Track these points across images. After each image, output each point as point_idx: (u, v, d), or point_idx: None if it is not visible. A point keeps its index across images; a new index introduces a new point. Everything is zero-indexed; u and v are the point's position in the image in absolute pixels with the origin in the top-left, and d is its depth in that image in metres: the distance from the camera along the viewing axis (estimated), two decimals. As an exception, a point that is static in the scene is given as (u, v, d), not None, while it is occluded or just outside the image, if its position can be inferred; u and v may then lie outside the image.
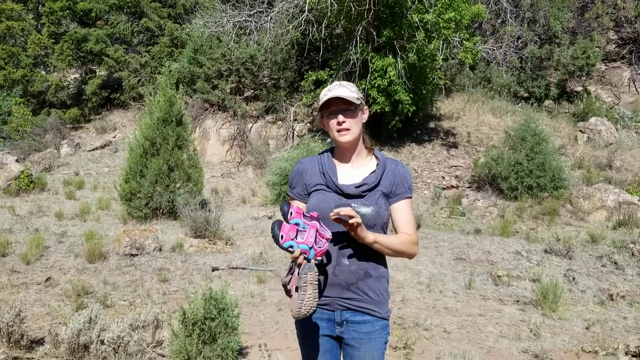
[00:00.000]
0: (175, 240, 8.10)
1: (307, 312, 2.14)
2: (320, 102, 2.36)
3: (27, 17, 20.74)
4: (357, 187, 2.33)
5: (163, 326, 4.73)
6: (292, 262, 2.23)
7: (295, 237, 2.16)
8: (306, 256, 2.15)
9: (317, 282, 2.16)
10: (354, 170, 2.40)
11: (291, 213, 2.23)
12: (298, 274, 2.16)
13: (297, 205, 2.44)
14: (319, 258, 2.20)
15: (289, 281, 2.25)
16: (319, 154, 2.49)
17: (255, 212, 11.02)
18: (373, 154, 2.47)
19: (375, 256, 2.35)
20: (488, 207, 11.45)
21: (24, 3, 20.78)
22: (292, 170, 2.51)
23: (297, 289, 2.17)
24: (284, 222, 2.21)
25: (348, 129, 2.33)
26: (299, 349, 2.51)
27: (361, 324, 2.34)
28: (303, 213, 2.26)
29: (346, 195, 2.33)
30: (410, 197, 2.42)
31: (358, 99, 2.34)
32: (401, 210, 2.38)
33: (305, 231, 2.17)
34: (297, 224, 2.20)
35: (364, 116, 2.41)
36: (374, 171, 2.39)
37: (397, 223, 2.39)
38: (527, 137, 11.79)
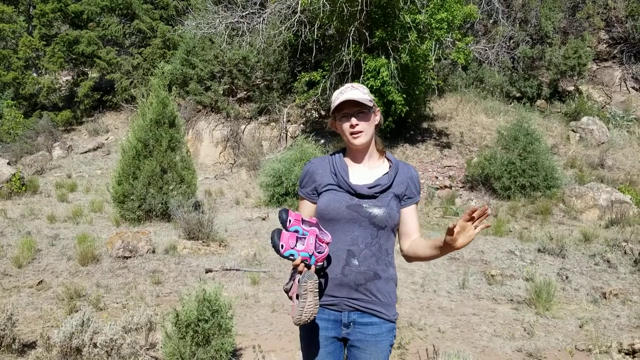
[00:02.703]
0: (169, 242, 8.07)
1: (308, 319, 2.16)
2: (333, 105, 2.34)
3: (18, 19, 20.62)
4: (370, 187, 2.32)
5: (156, 328, 4.70)
6: (293, 269, 2.23)
7: (295, 245, 2.17)
8: (307, 263, 2.16)
9: (317, 290, 2.17)
10: (366, 171, 2.39)
11: (290, 221, 2.24)
12: (298, 281, 2.17)
13: (306, 205, 2.45)
14: (320, 263, 2.21)
15: (290, 288, 2.25)
16: (330, 155, 2.48)
17: (248, 213, 11.00)
18: (385, 156, 2.47)
19: (384, 258, 2.35)
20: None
21: (14, 5, 20.66)
22: (303, 170, 2.49)
23: (297, 297, 2.17)
24: (283, 231, 2.21)
25: (361, 132, 2.33)
26: (301, 350, 2.47)
27: (368, 325, 2.33)
28: (302, 219, 2.26)
29: (358, 195, 2.32)
30: (418, 202, 2.46)
31: (370, 100, 2.34)
32: (412, 214, 2.40)
33: (304, 238, 2.17)
34: (296, 231, 2.20)
35: (376, 118, 2.40)
36: (387, 173, 2.38)
37: (410, 227, 2.40)
38: (520, 137, 11.84)
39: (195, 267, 7.25)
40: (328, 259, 2.29)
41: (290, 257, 2.16)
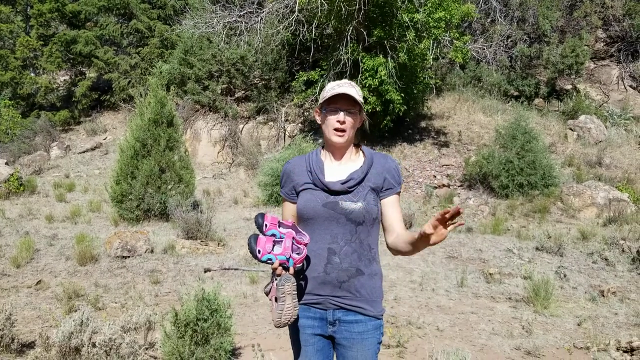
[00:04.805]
0: (167, 242, 8.07)
1: (288, 320, 2.19)
2: (327, 95, 2.32)
3: (16, 19, 20.59)
4: (342, 183, 2.31)
5: (155, 328, 4.70)
6: (272, 272, 2.24)
7: (272, 249, 2.18)
8: (285, 265, 2.17)
9: (295, 292, 2.19)
10: (342, 167, 2.39)
11: (266, 225, 2.26)
12: (276, 285, 2.18)
13: (288, 205, 2.46)
14: (299, 265, 2.22)
15: (270, 290, 2.27)
16: (309, 153, 2.48)
17: (247, 212, 11.00)
18: (360, 149, 2.46)
19: (366, 254, 2.34)
20: (479, 206, 11.50)
21: (12, 5, 20.62)
22: (282, 170, 2.50)
23: (276, 299, 2.19)
24: (260, 235, 2.23)
25: (345, 131, 2.32)
26: (292, 348, 2.49)
27: (353, 323, 2.32)
28: (279, 222, 2.28)
29: (332, 192, 2.31)
30: (399, 192, 2.42)
31: (361, 102, 2.34)
32: (392, 205, 2.37)
33: (281, 241, 2.19)
34: (273, 235, 2.22)
35: (360, 121, 2.40)
36: (361, 166, 2.37)
37: (391, 219, 2.36)
38: (518, 136, 11.85)
39: (194, 267, 7.25)
40: (307, 259, 2.30)
41: (268, 261, 2.18)
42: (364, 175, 2.33)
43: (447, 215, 2.03)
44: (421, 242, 2.15)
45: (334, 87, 2.32)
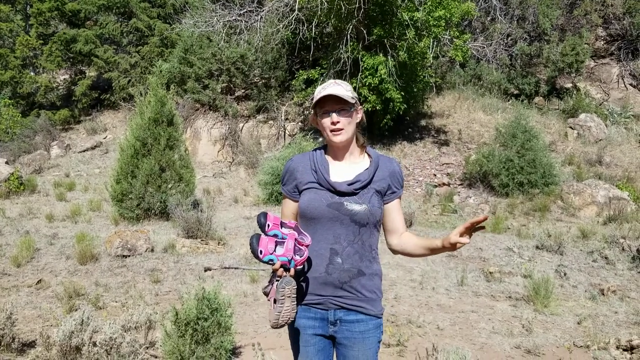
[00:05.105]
0: (168, 241, 8.07)
1: (285, 322, 2.20)
2: (315, 99, 2.32)
3: (15, 18, 20.59)
4: (349, 184, 2.30)
5: (156, 327, 4.71)
6: (272, 272, 2.24)
7: (275, 249, 2.17)
8: (287, 267, 2.17)
9: (295, 295, 2.19)
10: (347, 168, 2.37)
11: (268, 225, 2.24)
12: (276, 287, 2.18)
13: (289, 203, 2.44)
14: (300, 267, 2.22)
15: (269, 292, 2.26)
16: (311, 151, 2.45)
17: (247, 211, 11.00)
18: (365, 151, 2.45)
19: (368, 254, 2.34)
20: (480, 204, 11.50)
21: (11, 4, 20.61)
22: (284, 168, 2.47)
23: (275, 301, 2.19)
24: (262, 235, 2.21)
25: (342, 129, 2.30)
26: (291, 348, 2.48)
27: (354, 323, 2.32)
28: (281, 222, 2.26)
29: (338, 193, 2.30)
30: (401, 195, 2.46)
31: (353, 98, 2.31)
32: (396, 208, 2.40)
33: (284, 242, 2.18)
34: (275, 236, 2.21)
35: (358, 116, 2.38)
36: (367, 168, 2.36)
37: (396, 222, 2.41)
38: (518, 134, 11.85)
39: (194, 266, 7.26)
40: (308, 261, 2.29)
41: (270, 262, 2.17)
42: (371, 178, 2.33)
43: (474, 222, 2.14)
44: (443, 249, 2.26)
45: (320, 91, 2.31)
